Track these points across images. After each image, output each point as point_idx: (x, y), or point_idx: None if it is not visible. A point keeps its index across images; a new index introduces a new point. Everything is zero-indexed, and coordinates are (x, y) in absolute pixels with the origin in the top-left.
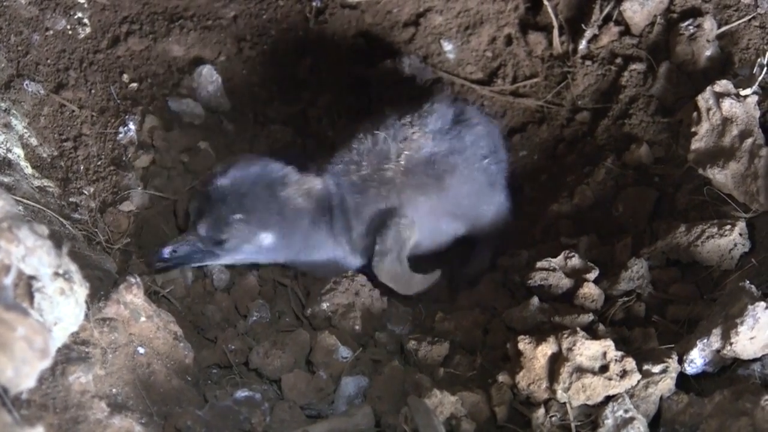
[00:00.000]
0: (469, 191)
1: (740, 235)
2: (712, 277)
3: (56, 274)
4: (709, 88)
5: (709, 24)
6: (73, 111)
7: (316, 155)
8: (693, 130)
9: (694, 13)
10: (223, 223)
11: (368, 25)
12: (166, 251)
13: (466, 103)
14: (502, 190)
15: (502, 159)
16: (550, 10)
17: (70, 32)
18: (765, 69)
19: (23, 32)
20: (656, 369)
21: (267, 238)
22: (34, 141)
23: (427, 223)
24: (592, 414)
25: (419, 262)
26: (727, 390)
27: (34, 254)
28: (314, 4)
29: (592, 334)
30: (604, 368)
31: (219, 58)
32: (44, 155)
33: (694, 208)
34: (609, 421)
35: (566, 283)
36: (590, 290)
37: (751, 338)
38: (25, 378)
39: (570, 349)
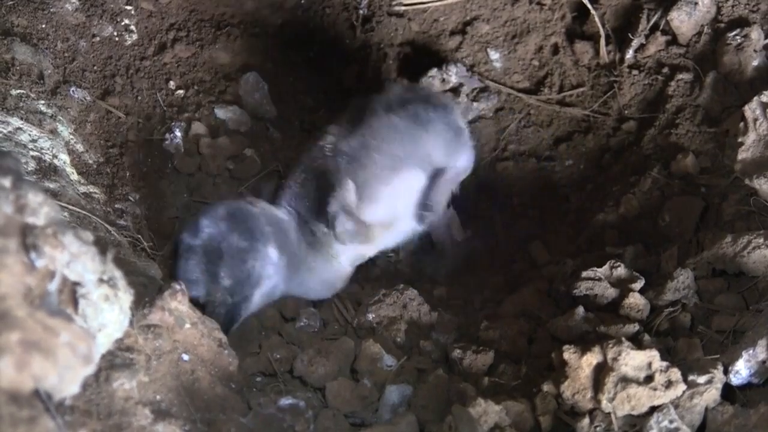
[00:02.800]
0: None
1: None
2: (758, 288)
3: (101, 280)
4: (756, 98)
5: (756, 34)
6: (120, 117)
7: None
8: (740, 140)
9: (742, 23)
10: (240, 252)
11: (415, 34)
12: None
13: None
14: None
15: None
16: (597, 19)
17: (116, 39)
18: None
19: (70, 39)
20: (701, 379)
21: (273, 252)
22: (80, 147)
23: (375, 181)
24: (636, 424)
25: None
26: None
27: (78, 260)
28: (361, 12)
29: (638, 344)
30: (649, 378)
31: (266, 65)
32: (90, 161)
33: (740, 219)
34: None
35: (612, 292)
36: (636, 300)
37: None
38: (68, 384)
39: (615, 359)
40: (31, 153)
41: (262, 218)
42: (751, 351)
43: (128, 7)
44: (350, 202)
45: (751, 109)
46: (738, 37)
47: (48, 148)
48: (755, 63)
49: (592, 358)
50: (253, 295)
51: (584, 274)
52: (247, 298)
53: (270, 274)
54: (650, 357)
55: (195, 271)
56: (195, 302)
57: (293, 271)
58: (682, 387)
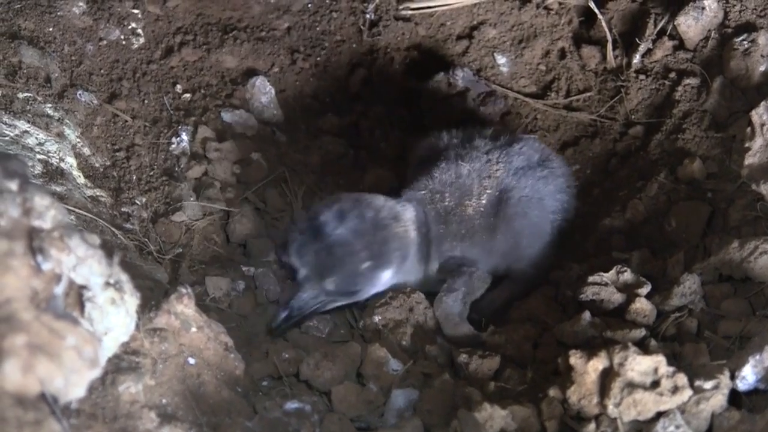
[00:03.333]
0: (530, 236)
1: None
2: (764, 294)
3: (107, 283)
4: (763, 103)
5: (763, 39)
6: (126, 121)
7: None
8: (746, 145)
9: (749, 28)
10: (356, 275)
11: (422, 38)
12: (293, 310)
13: (551, 150)
14: (554, 243)
15: (568, 218)
16: (604, 23)
17: (123, 42)
18: None
19: (77, 42)
20: (708, 385)
21: (387, 275)
22: (86, 151)
23: (483, 260)
24: (643, 430)
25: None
26: None
27: (85, 264)
28: (368, 16)
29: (644, 349)
30: (655, 384)
31: (272, 69)
32: (97, 165)
33: (747, 224)
34: None
35: (618, 297)
36: (642, 305)
37: None
38: (74, 387)
39: (621, 365)
40: (38, 156)
41: (396, 242)
42: (757, 356)
43: (135, 11)
44: (475, 289)
45: (758, 114)
46: (745, 42)
47: (55, 152)
48: (762, 68)
49: (598, 363)
50: (336, 306)
51: (591, 278)
52: (327, 307)
53: (366, 295)
54: (657, 362)
55: (310, 253)
56: (290, 270)
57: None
58: (689, 392)
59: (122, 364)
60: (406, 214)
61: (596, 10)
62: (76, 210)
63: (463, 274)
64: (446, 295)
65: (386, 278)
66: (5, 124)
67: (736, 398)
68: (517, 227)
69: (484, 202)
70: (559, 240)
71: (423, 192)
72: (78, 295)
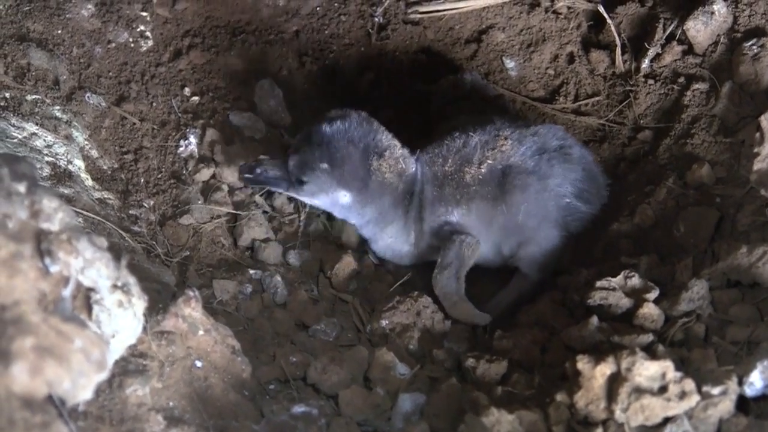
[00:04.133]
0: (530, 212)
1: None
2: None
3: (115, 286)
4: None
5: None
6: (134, 124)
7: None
8: (755, 150)
9: (758, 33)
10: (308, 166)
11: (430, 42)
12: (258, 169)
13: (577, 140)
14: (566, 235)
15: (588, 210)
16: (613, 28)
17: (132, 45)
18: None
19: (85, 45)
20: (715, 391)
21: (345, 197)
22: (94, 153)
23: (482, 231)
24: None
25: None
26: None
27: (92, 266)
28: (376, 19)
29: (652, 354)
30: (663, 389)
31: (280, 72)
32: (105, 167)
33: (755, 229)
34: None
35: (626, 302)
36: (650, 310)
37: None
38: (82, 390)
39: (629, 370)
40: (46, 158)
41: (362, 171)
42: (765, 362)
43: (144, 14)
44: (466, 259)
45: (767, 120)
46: (754, 47)
47: (63, 154)
48: None
49: (605, 368)
50: (286, 194)
51: (599, 283)
52: (279, 187)
53: (314, 199)
54: (664, 367)
55: (301, 134)
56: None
57: (365, 220)
58: (696, 398)
59: (129, 366)
60: (400, 162)
61: (605, 15)
62: (84, 212)
63: (452, 243)
64: (440, 273)
65: (343, 201)
66: (14, 126)
67: (743, 404)
68: (515, 200)
69: (483, 171)
70: (574, 232)
71: (429, 155)
72: (86, 297)
